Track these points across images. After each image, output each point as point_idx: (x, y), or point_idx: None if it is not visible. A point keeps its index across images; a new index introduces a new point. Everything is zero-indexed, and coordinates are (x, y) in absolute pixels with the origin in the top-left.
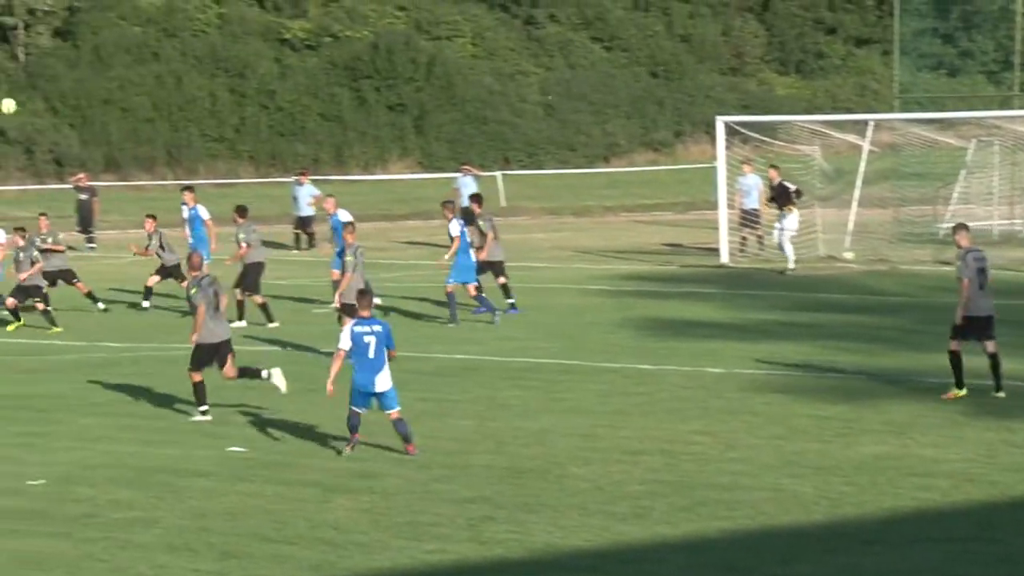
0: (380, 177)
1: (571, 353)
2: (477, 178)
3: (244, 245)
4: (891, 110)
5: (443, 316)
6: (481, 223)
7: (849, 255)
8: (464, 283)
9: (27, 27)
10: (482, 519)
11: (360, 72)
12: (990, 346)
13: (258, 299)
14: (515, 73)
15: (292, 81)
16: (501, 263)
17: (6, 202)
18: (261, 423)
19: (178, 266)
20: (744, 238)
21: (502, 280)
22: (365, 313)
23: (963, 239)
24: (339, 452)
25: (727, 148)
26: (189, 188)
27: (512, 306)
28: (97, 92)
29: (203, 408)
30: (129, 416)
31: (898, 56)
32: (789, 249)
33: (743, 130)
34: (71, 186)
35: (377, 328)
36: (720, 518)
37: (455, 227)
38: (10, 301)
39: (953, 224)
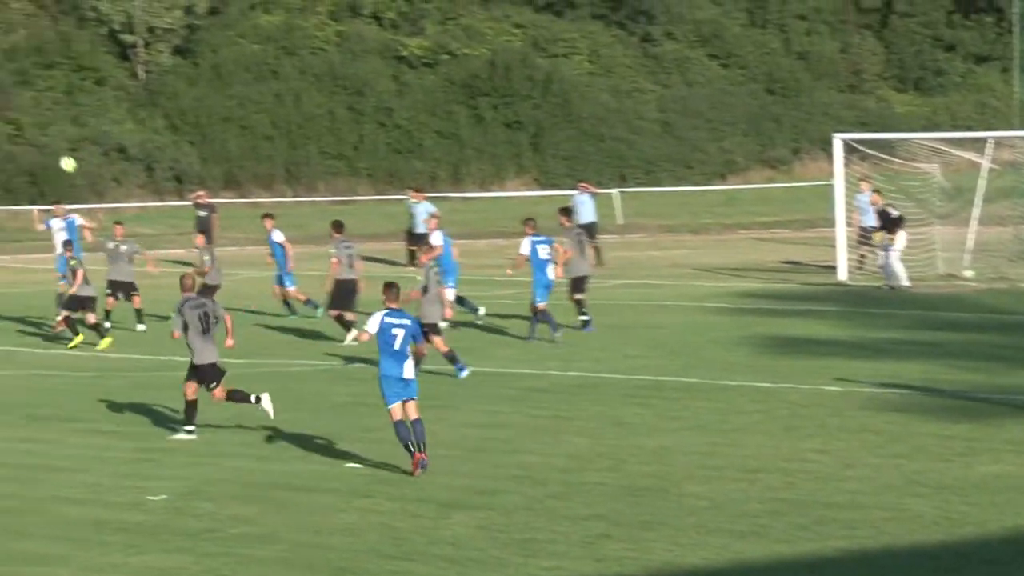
0: (496, 194)
1: (689, 371)
2: (594, 196)
3: (334, 261)
4: (1011, 127)
5: (565, 333)
6: (566, 239)
7: (969, 273)
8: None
9: (147, 45)
10: (599, 537)
11: (477, 89)
12: None
13: (349, 316)
14: (632, 90)
15: (410, 99)
16: (584, 279)
17: (127, 218)
18: (379, 439)
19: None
20: (862, 256)
21: (579, 296)
22: (394, 304)
23: None
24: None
25: (845, 165)
26: (268, 215)
27: (585, 324)
28: (217, 110)
29: (188, 428)
30: (250, 432)
31: (1018, 73)
32: (899, 268)
33: (861, 147)
34: (191, 203)
35: (407, 322)
36: (839, 537)
37: (525, 245)
38: (63, 315)
39: None
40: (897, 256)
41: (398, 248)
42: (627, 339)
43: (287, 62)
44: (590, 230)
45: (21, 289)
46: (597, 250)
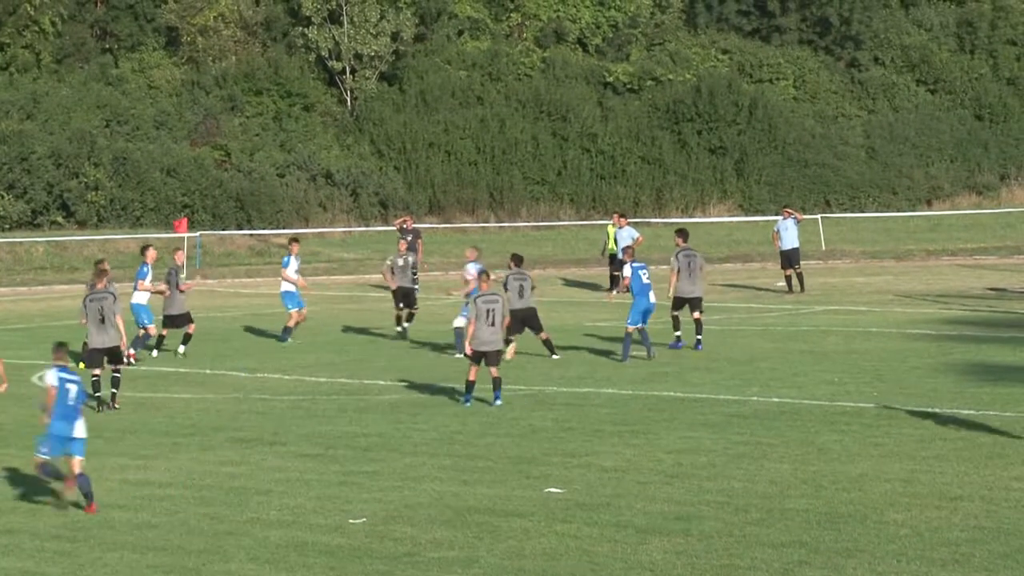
0: (700, 220)
1: (891, 397)
2: (798, 221)
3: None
4: None
5: (766, 359)
6: (674, 258)
7: None
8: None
9: (354, 72)
10: (798, 564)
11: (682, 115)
12: None
13: (543, 335)
14: (837, 115)
15: (614, 124)
16: (698, 299)
17: (333, 243)
18: (578, 464)
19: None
20: None
21: (696, 315)
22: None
23: None
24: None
25: None
26: (295, 239)
27: (678, 339)
28: (422, 135)
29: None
30: (448, 456)
31: None
32: None
33: None
34: (396, 228)
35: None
36: None
37: (627, 269)
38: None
39: None
40: None
41: (599, 273)
42: (829, 365)
43: (492, 88)
44: (793, 256)
45: (230, 313)
46: (800, 276)
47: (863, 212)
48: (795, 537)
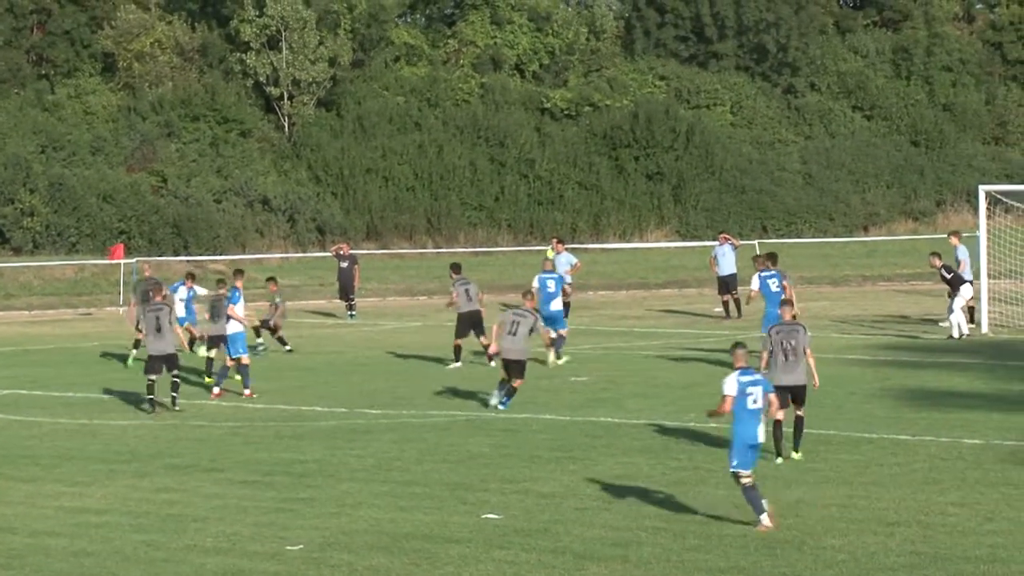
0: (637, 245)
1: (827, 423)
2: (735, 247)
3: (455, 294)
4: None
5: (704, 384)
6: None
7: None
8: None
9: (292, 97)
10: None
11: (619, 141)
12: None
13: (484, 340)
14: (774, 141)
15: (551, 150)
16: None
17: (269, 269)
18: (516, 490)
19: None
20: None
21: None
22: (742, 363)
23: None
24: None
25: (989, 218)
26: (240, 270)
27: None
28: (360, 161)
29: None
30: (385, 483)
31: None
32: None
33: (1006, 199)
34: (332, 254)
35: (759, 377)
36: None
37: (755, 282)
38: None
39: None
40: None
41: None
42: None
43: (430, 114)
44: (731, 282)
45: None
46: (737, 302)
47: (800, 238)
48: (733, 563)
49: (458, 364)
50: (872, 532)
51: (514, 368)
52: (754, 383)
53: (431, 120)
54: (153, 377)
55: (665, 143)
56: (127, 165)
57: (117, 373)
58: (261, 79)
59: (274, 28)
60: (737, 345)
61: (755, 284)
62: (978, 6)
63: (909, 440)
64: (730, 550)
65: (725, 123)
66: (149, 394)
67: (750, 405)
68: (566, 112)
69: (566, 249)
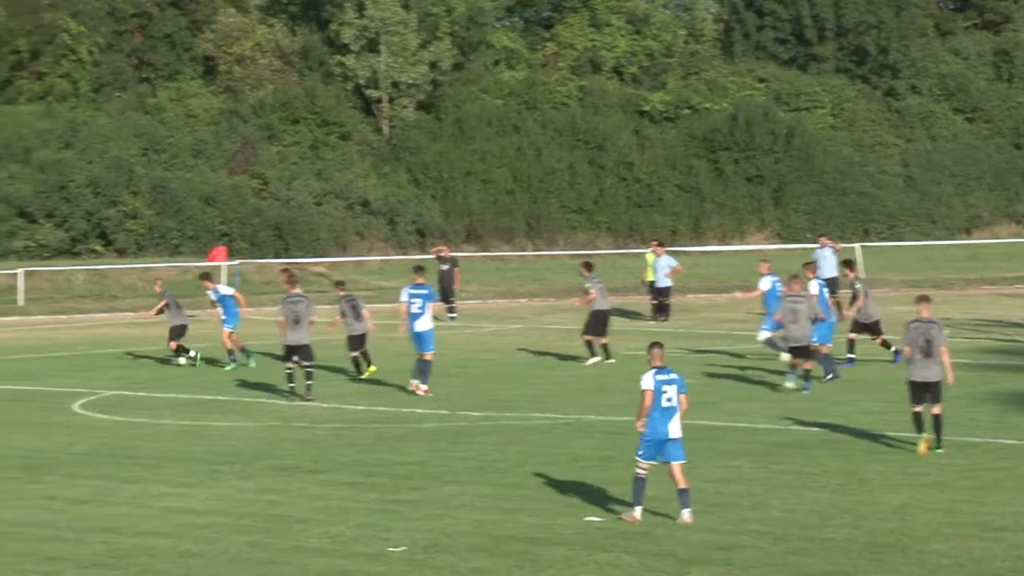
0: (737, 248)
1: (932, 427)
2: (835, 250)
3: (591, 292)
4: None
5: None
6: (858, 286)
7: None
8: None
9: (392, 100)
10: None
11: (718, 143)
12: None
13: (603, 340)
14: (875, 144)
15: (650, 153)
16: (876, 323)
17: (370, 272)
18: (618, 493)
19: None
20: None
21: (880, 339)
22: (658, 363)
23: None
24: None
25: None
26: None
27: (850, 360)
28: (459, 164)
29: None
30: (488, 485)
31: None
32: None
33: None
34: (433, 256)
35: (674, 376)
36: None
37: (813, 286)
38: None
39: None
40: None
41: (637, 301)
42: (869, 394)
43: (529, 116)
44: (831, 285)
45: (271, 340)
46: (838, 304)
47: (902, 241)
48: (836, 567)
49: (596, 359)
50: (977, 537)
51: (801, 353)
52: (669, 382)
53: (530, 123)
54: (291, 366)
55: (765, 146)
56: (228, 168)
57: (219, 375)
58: (361, 82)
59: (373, 31)
60: (654, 345)
61: (813, 289)
62: None
63: (1014, 444)
64: (833, 554)
65: (825, 126)
66: (289, 382)
67: (663, 403)
68: (665, 115)
69: (666, 252)
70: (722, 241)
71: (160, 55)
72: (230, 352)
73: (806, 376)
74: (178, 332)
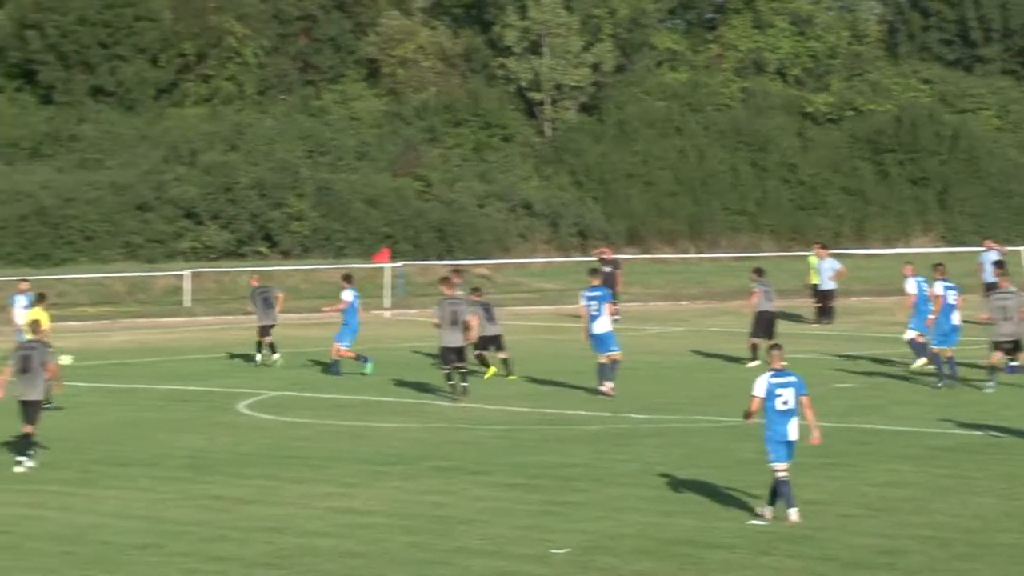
0: (901, 251)
1: None
2: (1001, 253)
3: (755, 292)
4: None
5: (971, 391)
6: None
7: None
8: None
9: (554, 102)
10: None
11: (883, 145)
12: None
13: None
14: None
15: (814, 155)
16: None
17: (532, 274)
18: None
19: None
20: None
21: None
22: (777, 365)
23: None
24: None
25: None
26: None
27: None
28: (621, 166)
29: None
30: (651, 487)
31: None
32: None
33: None
34: (595, 258)
35: (792, 379)
36: None
37: (938, 287)
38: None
39: None
40: None
41: (800, 304)
42: None
43: (691, 118)
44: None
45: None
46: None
47: None
48: (1003, 572)
49: (757, 361)
50: None
51: (1013, 348)
52: (785, 385)
53: (692, 125)
54: (447, 368)
55: (930, 148)
56: (392, 170)
57: (381, 376)
58: (523, 84)
59: (536, 33)
60: (774, 347)
61: (938, 289)
62: None
63: None
64: (999, 560)
65: (991, 128)
66: (449, 381)
67: (779, 406)
68: (828, 116)
69: (829, 255)
70: (886, 244)
71: (324, 58)
72: (334, 362)
73: (1011, 369)
74: (263, 331)
